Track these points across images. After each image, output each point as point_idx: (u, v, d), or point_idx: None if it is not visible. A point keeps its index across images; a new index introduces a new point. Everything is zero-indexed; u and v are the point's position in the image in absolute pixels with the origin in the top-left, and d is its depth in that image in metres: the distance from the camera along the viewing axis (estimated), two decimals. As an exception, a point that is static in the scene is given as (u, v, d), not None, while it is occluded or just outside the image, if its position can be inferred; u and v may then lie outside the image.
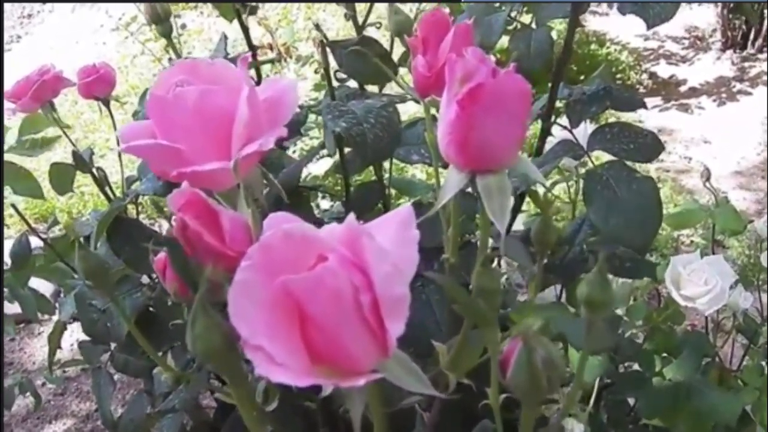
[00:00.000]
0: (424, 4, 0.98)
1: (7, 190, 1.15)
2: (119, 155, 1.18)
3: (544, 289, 0.92)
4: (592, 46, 4.05)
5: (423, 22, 0.64)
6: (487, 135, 0.47)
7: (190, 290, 0.54)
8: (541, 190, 0.89)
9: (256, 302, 0.39)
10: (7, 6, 5.10)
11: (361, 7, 0.89)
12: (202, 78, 0.56)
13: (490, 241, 0.59)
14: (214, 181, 0.54)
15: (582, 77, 3.32)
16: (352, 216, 0.41)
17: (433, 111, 0.66)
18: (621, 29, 4.31)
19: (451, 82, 0.47)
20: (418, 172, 2.85)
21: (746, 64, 4.13)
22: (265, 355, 0.38)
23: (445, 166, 0.91)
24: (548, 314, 0.63)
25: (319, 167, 2.01)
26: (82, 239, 1.05)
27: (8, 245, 1.23)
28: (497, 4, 0.94)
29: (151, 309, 0.94)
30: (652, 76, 4.12)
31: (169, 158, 0.54)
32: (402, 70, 0.85)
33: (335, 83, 0.86)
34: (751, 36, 4.20)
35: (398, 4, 0.71)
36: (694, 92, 3.96)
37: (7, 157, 1.16)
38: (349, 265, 0.39)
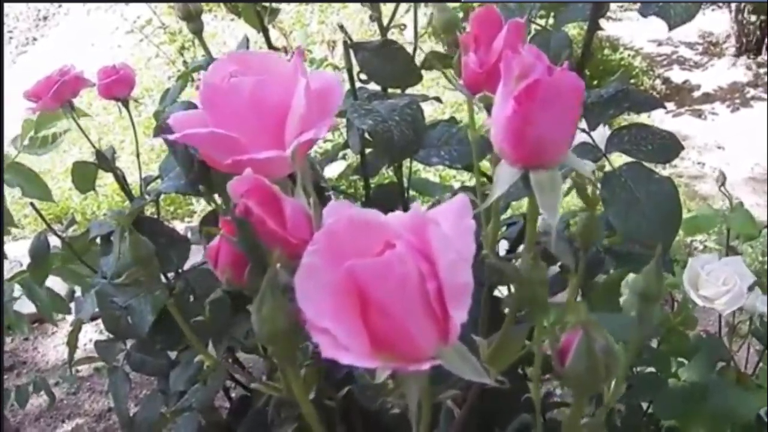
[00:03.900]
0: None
1: (19, 191, 1.16)
2: (137, 155, 1.19)
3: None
4: (606, 51, 4.06)
5: (475, 19, 0.64)
6: (542, 131, 0.47)
7: (252, 273, 0.54)
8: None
9: (321, 286, 0.40)
10: (22, 8, 5.13)
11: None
12: (253, 69, 0.57)
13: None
14: (268, 169, 0.55)
15: (595, 82, 3.32)
16: (417, 203, 0.42)
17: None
18: (634, 34, 4.31)
19: (507, 79, 0.48)
20: (431, 175, 2.86)
21: (760, 70, 4.12)
22: (331, 338, 0.39)
23: (466, 168, 0.92)
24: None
25: (332, 169, 2.01)
26: (99, 239, 1.06)
27: (24, 245, 1.24)
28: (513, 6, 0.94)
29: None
30: (666, 81, 4.11)
31: (225, 146, 0.55)
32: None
33: (357, 84, 0.87)
34: (766, 42, 4.19)
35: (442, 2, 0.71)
36: (707, 98, 3.95)
37: (18, 158, 1.17)
38: (416, 253, 0.40)
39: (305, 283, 0.40)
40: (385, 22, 0.91)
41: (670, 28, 0.74)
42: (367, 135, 0.87)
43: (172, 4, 0.88)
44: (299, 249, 0.41)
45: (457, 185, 2.21)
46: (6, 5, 4.95)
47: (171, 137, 0.57)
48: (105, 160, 1.09)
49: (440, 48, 0.77)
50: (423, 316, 0.40)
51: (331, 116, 0.57)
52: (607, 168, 0.81)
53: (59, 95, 1.07)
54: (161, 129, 0.86)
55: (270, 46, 0.97)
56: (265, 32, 0.95)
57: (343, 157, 1.27)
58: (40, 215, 1.27)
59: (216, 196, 0.89)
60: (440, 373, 0.42)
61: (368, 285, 0.39)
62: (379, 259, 0.40)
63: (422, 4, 1.03)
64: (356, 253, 0.40)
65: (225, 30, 4.29)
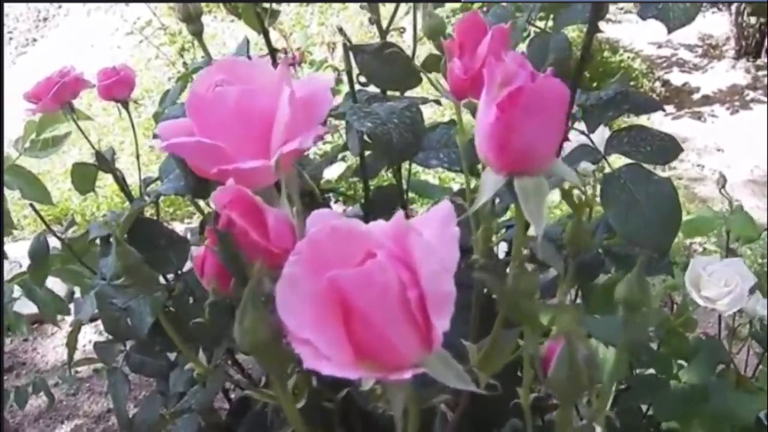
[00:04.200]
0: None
1: (18, 194, 1.16)
2: (137, 156, 1.19)
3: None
4: (605, 54, 4.06)
5: (459, 25, 0.64)
6: (526, 138, 0.47)
7: (237, 284, 0.55)
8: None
9: (303, 296, 0.40)
10: (22, 9, 5.13)
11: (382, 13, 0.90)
12: (240, 78, 0.57)
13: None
14: (253, 178, 0.55)
15: (595, 84, 3.32)
16: (401, 213, 0.41)
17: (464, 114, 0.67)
18: (634, 37, 4.31)
19: (491, 86, 0.48)
20: (430, 177, 2.85)
21: (760, 73, 4.12)
22: (312, 349, 0.39)
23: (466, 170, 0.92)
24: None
25: (331, 172, 2.01)
26: (98, 240, 1.06)
27: (23, 246, 1.24)
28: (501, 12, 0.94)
29: (169, 310, 0.95)
30: (665, 83, 4.11)
31: (210, 156, 0.55)
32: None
33: (356, 86, 0.87)
34: (765, 44, 4.19)
35: (431, 8, 0.71)
36: (707, 100, 3.95)
37: (19, 160, 1.17)
38: (397, 262, 0.40)
39: (286, 294, 0.40)
40: (384, 24, 0.91)
41: (670, 30, 0.73)
42: (366, 137, 0.87)
43: (172, 5, 0.88)
44: (283, 259, 0.41)
45: (456, 187, 2.21)
46: (6, 6, 4.96)
47: (161, 145, 0.57)
48: (105, 161, 1.09)
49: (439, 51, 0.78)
50: (405, 324, 0.40)
51: (318, 124, 0.57)
52: (607, 170, 0.81)
53: (59, 96, 1.07)
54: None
55: (270, 47, 0.97)
56: (266, 34, 0.95)
57: (343, 159, 1.27)
58: (40, 216, 1.27)
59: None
60: (428, 378, 0.42)
61: (350, 295, 0.39)
62: (360, 268, 0.40)
63: (422, 7, 1.03)
64: (338, 263, 0.40)
65: (225, 31, 4.29)
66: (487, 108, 0.48)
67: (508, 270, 0.80)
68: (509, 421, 0.67)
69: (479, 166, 0.72)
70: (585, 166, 0.90)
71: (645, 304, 0.50)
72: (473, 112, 0.57)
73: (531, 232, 0.57)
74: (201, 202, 1.09)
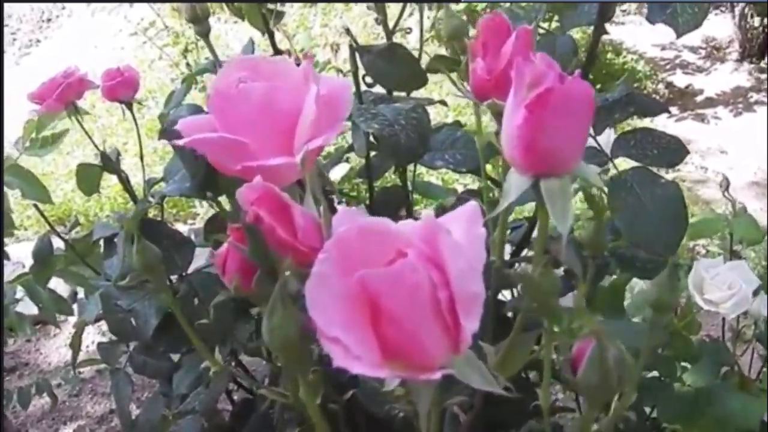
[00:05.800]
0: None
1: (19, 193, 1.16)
2: (141, 157, 1.19)
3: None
4: (609, 56, 4.06)
5: (483, 25, 0.64)
6: (554, 139, 0.47)
7: (261, 280, 0.54)
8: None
9: (332, 295, 0.40)
10: (26, 10, 5.13)
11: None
12: (262, 75, 0.57)
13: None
14: (277, 176, 0.55)
15: (599, 86, 3.32)
16: (430, 212, 0.41)
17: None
18: (638, 39, 4.31)
19: (519, 87, 0.47)
20: (433, 178, 2.85)
21: (763, 75, 4.12)
22: (342, 347, 0.38)
23: (470, 171, 0.92)
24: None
25: (335, 173, 2.02)
26: (102, 241, 1.06)
27: (26, 247, 1.24)
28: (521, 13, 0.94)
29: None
30: (669, 85, 4.11)
31: (234, 152, 0.55)
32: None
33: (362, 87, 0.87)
34: (769, 47, 4.20)
35: (452, 7, 0.71)
36: (710, 102, 3.95)
37: (22, 160, 1.17)
38: (428, 262, 0.39)
39: (316, 292, 0.39)
40: (390, 25, 0.91)
41: (678, 35, 0.73)
42: (372, 138, 0.87)
43: (176, 6, 0.89)
44: (309, 257, 0.41)
45: (460, 188, 2.21)
46: (9, 7, 4.96)
47: (179, 142, 0.57)
48: (109, 162, 1.09)
49: (444, 51, 0.78)
50: (434, 325, 0.40)
51: (340, 122, 0.57)
52: (612, 172, 0.81)
53: (63, 97, 1.07)
54: (168, 132, 0.86)
55: (275, 49, 0.97)
56: (270, 35, 0.95)
57: (346, 160, 1.27)
58: (44, 217, 1.27)
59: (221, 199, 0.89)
60: (448, 381, 0.42)
61: (380, 294, 0.39)
62: (391, 268, 0.39)
63: (426, 8, 1.03)
64: (367, 262, 0.40)
65: (228, 33, 4.28)
66: (515, 109, 0.48)
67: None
68: (527, 423, 0.67)
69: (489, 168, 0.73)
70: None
71: (674, 307, 0.50)
72: (496, 113, 0.57)
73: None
74: (204, 203, 1.10)
